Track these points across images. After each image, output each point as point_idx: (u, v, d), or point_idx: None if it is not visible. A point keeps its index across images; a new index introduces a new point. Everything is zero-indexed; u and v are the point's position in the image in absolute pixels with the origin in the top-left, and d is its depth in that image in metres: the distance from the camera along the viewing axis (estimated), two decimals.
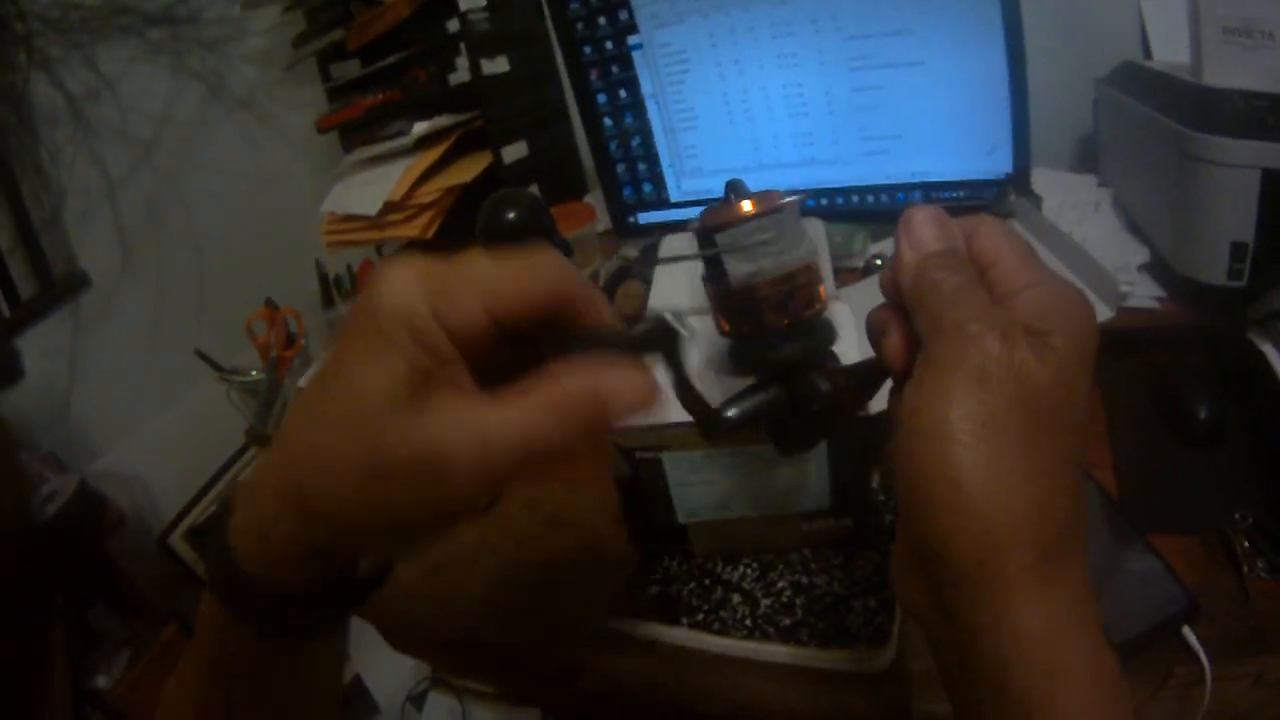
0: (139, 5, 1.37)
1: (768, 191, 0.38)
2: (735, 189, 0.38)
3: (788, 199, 0.38)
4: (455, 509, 0.28)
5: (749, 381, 0.40)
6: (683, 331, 0.34)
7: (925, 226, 0.33)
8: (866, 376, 0.39)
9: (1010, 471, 0.27)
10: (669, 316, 0.36)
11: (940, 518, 0.27)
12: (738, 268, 0.37)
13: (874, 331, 0.35)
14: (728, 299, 0.38)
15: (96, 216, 1.36)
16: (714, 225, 0.37)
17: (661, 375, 0.32)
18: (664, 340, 0.32)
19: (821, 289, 0.39)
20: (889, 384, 0.35)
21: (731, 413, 0.38)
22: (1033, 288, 0.30)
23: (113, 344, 1.37)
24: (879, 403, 0.38)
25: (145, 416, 1.42)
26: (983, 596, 0.27)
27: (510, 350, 0.29)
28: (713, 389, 0.39)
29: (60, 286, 1.31)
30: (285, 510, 0.28)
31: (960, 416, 0.27)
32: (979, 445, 0.27)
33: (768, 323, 0.38)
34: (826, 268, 0.66)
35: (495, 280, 0.28)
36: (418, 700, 1.11)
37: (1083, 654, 0.27)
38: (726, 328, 0.39)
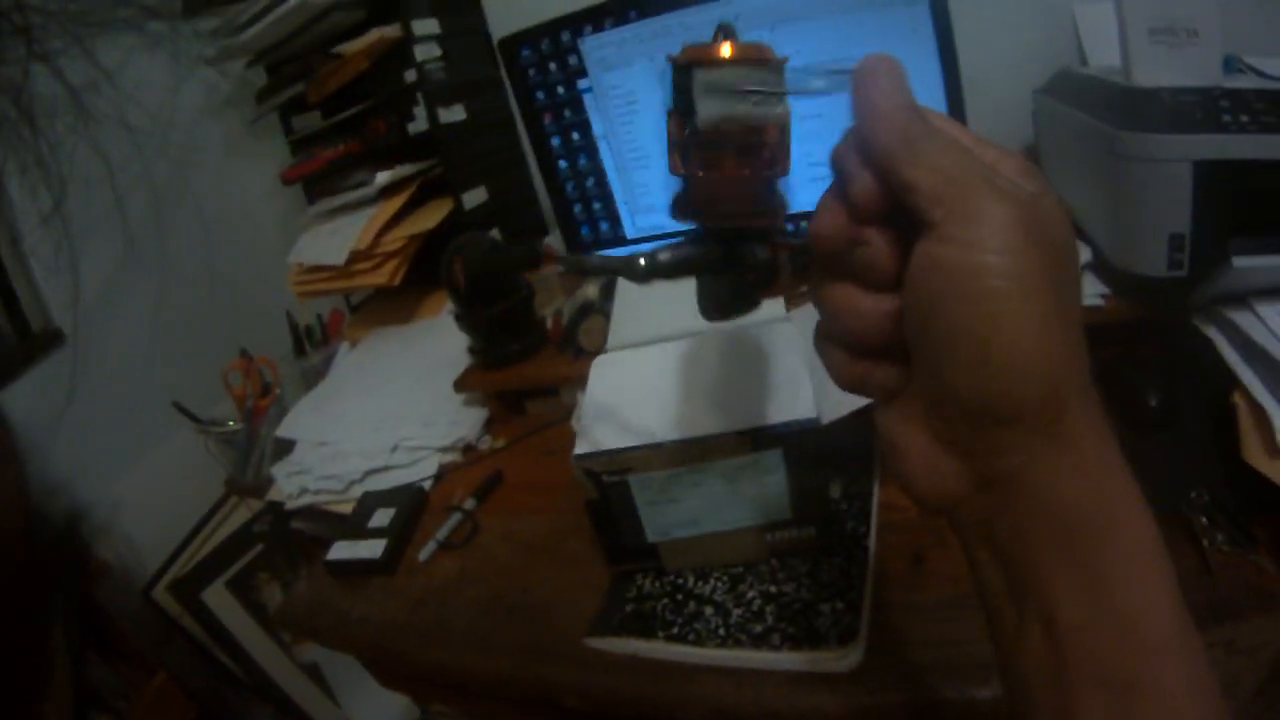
0: None
1: (758, 44, 0.35)
2: (726, 31, 0.35)
3: (778, 57, 0.36)
4: None
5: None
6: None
7: (892, 77, 0.30)
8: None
9: (1055, 316, 0.27)
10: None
11: (1000, 371, 0.27)
12: (709, 107, 0.34)
13: (828, 195, 0.32)
14: (690, 137, 0.35)
15: (77, 262, 1.34)
16: (696, 60, 0.34)
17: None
18: None
19: (787, 154, 0.37)
20: None
21: (664, 256, 0.38)
22: (1003, 158, 0.30)
23: (88, 397, 1.36)
24: None
25: (124, 469, 1.40)
26: (1045, 440, 0.27)
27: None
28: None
29: (36, 342, 1.30)
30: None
31: (1004, 270, 0.26)
32: (1027, 296, 0.26)
33: (725, 170, 0.35)
34: None
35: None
36: None
37: (1132, 486, 0.28)
38: (680, 168, 0.37)
